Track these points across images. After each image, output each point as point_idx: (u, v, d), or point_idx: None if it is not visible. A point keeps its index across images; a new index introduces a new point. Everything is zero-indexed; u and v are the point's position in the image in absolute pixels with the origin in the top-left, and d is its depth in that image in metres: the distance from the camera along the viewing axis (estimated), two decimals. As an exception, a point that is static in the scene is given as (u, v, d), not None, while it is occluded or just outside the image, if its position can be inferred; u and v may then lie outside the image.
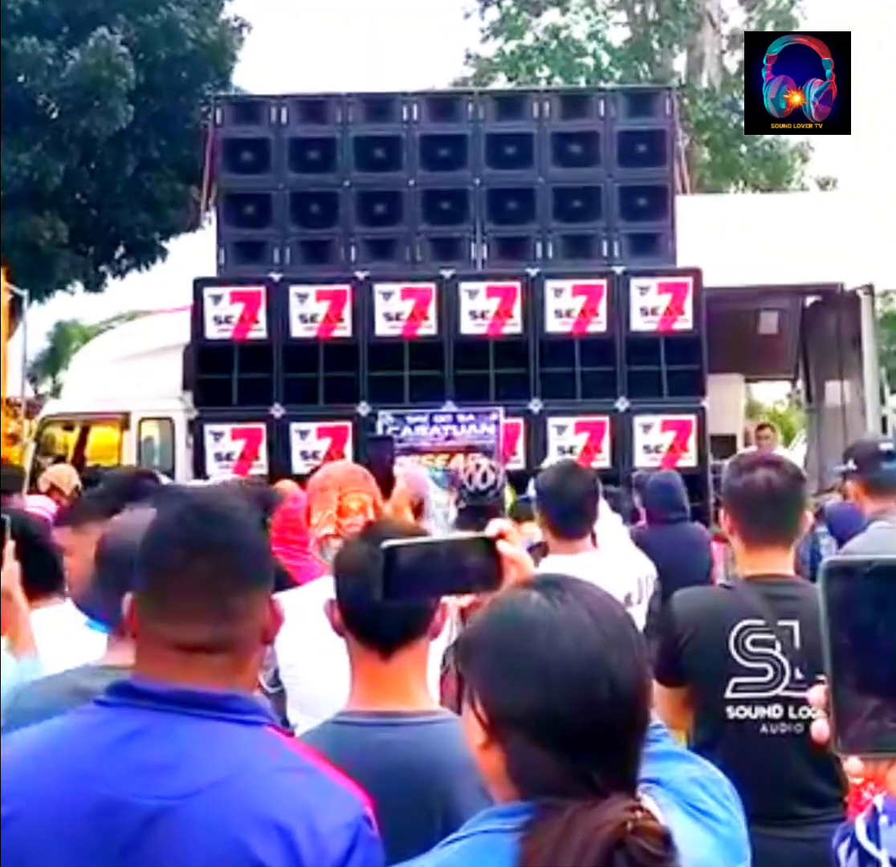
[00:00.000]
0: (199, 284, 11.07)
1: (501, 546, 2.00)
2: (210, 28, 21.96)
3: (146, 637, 1.98)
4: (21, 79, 19.97)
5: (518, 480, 8.01)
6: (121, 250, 23.82)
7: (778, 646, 3.36)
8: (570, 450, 10.49)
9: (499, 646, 1.70)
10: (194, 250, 15.29)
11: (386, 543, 1.99)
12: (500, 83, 28.75)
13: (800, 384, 15.73)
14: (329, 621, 2.56)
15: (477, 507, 5.90)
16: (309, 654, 3.22)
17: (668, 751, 1.93)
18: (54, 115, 21.00)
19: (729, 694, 3.37)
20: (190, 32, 21.41)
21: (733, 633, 3.38)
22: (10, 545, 3.57)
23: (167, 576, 1.97)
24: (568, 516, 4.66)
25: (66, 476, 9.63)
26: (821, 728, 1.30)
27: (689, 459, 10.53)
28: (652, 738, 1.90)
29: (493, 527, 2.06)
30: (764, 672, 3.37)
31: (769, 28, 29.07)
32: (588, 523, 4.70)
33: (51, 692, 2.61)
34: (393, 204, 11.41)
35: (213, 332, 10.94)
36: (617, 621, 1.72)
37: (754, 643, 3.38)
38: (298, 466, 10.39)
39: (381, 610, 2.40)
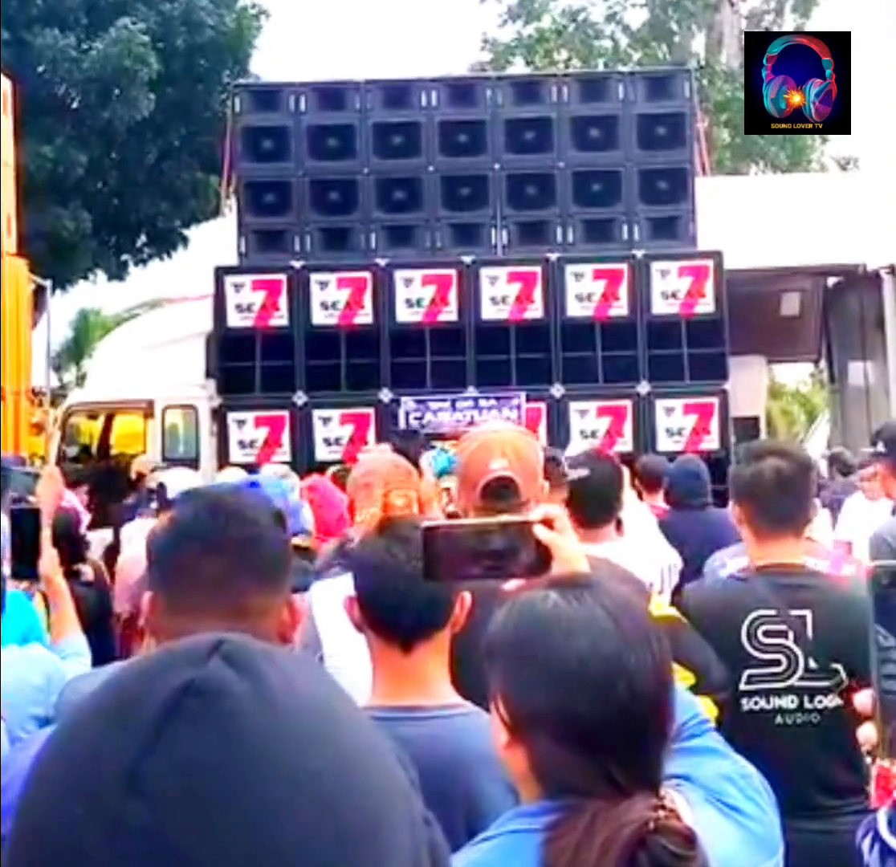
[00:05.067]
0: (221, 273, 11.11)
1: (538, 532, 1.97)
2: (228, 16, 21.94)
3: (163, 635, 1.96)
4: (42, 70, 20.02)
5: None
6: (143, 239, 23.87)
7: (790, 635, 3.32)
8: (592, 435, 10.49)
9: (516, 647, 1.71)
10: (216, 238, 15.30)
11: (425, 523, 2.01)
12: (518, 67, 28.68)
13: (823, 364, 15.67)
14: (348, 617, 2.55)
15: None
16: (352, 643, 3.23)
17: (700, 747, 1.93)
18: (75, 106, 21.05)
19: (743, 686, 3.31)
20: (208, 20, 21.40)
21: (745, 625, 3.33)
22: (47, 532, 3.65)
23: (181, 573, 1.96)
24: (590, 506, 4.61)
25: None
26: (869, 734, 1.29)
27: (711, 442, 10.54)
28: (695, 733, 1.93)
29: (539, 512, 2.04)
30: (777, 662, 3.33)
31: (787, 10, 28.91)
32: (611, 512, 4.68)
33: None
34: (412, 190, 11.42)
35: (235, 320, 10.98)
36: (636, 620, 1.71)
37: (766, 634, 3.33)
38: (321, 453, 10.44)
39: (399, 604, 2.41)
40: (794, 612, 3.33)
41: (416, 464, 6.06)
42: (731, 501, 3.58)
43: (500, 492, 3.07)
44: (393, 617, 2.46)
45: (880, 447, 5.65)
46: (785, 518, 3.43)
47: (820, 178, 23.81)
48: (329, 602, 3.25)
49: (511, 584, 1.93)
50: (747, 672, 3.33)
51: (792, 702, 3.33)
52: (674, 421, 10.65)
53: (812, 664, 3.31)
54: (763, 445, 3.77)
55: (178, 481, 7.48)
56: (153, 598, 2.00)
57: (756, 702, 3.31)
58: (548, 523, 1.99)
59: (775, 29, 28.49)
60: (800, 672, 3.32)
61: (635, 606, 1.76)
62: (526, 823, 1.65)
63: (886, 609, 1.31)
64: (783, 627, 3.33)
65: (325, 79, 12.35)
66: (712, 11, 28.90)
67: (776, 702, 3.33)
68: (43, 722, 3.01)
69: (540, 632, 1.69)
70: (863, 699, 1.33)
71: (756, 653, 3.34)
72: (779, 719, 3.33)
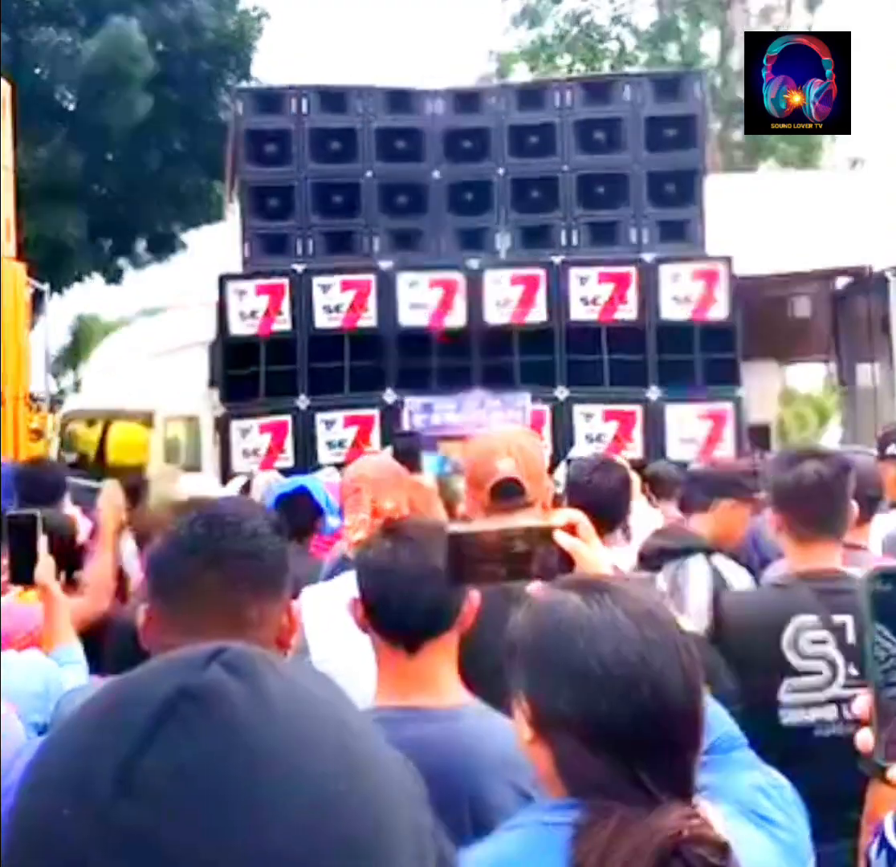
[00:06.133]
0: (224, 280, 11.03)
1: (558, 537, 1.99)
2: (229, 18, 21.92)
3: (160, 648, 1.91)
4: (38, 70, 19.94)
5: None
6: (143, 244, 23.84)
7: (832, 642, 3.22)
8: (598, 439, 10.38)
9: (538, 649, 1.70)
10: (219, 243, 15.27)
11: (450, 529, 2.05)
12: (522, 74, 28.65)
13: (834, 367, 15.65)
14: (353, 619, 2.54)
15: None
16: (344, 648, 3.19)
17: (731, 759, 1.92)
18: (72, 108, 20.98)
19: (783, 696, 3.21)
20: (210, 23, 21.37)
21: (786, 633, 3.24)
22: (43, 540, 3.63)
23: (179, 586, 1.96)
24: (597, 512, 4.53)
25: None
26: (865, 738, 1.30)
27: (725, 449, 10.38)
28: (726, 748, 1.94)
29: (562, 517, 2.05)
30: (818, 671, 3.22)
31: (796, 6, 28.87)
32: (618, 519, 4.62)
33: None
34: (416, 195, 11.33)
35: (238, 328, 10.91)
36: (660, 624, 1.69)
37: (809, 642, 3.24)
38: (325, 456, 10.33)
39: (404, 606, 2.42)
40: (836, 618, 3.23)
41: (417, 468, 6.04)
42: (770, 508, 3.46)
43: (508, 492, 3.13)
44: (398, 618, 2.46)
45: (893, 448, 5.59)
46: (827, 522, 3.36)
47: (826, 177, 23.72)
48: (318, 606, 3.26)
49: (532, 586, 1.92)
50: (787, 681, 3.22)
51: (832, 713, 3.21)
52: (686, 428, 10.51)
53: (852, 670, 3.19)
54: (800, 449, 3.66)
55: (197, 488, 7.43)
56: (150, 610, 1.99)
57: (796, 714, 3.21)
58: (570, 529, 2.01)
59: (784, 28, 28.40)
60: (840, 680, 3.21)
61: (658, 610, 1.74)
62: (558, 816, 1.64)
63: (886, 609, 1.30)
64: (825, 634, 3.24)
65: (328, 82, 12.26)
66: (723, 10, 28.84)
67: (816, 713, 3.22)
68: (42, 729, 2.96)
69: (562, 635, 1.68)
70: (861, 703, 1.32)
71: (797, 662, 3.23)
72: (817, 731, 3.21)
